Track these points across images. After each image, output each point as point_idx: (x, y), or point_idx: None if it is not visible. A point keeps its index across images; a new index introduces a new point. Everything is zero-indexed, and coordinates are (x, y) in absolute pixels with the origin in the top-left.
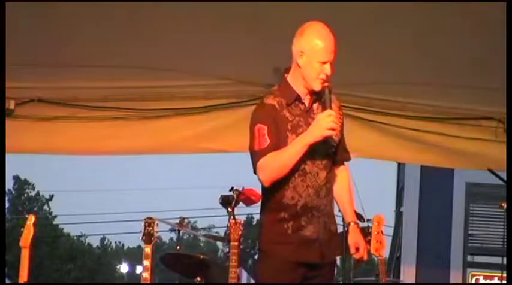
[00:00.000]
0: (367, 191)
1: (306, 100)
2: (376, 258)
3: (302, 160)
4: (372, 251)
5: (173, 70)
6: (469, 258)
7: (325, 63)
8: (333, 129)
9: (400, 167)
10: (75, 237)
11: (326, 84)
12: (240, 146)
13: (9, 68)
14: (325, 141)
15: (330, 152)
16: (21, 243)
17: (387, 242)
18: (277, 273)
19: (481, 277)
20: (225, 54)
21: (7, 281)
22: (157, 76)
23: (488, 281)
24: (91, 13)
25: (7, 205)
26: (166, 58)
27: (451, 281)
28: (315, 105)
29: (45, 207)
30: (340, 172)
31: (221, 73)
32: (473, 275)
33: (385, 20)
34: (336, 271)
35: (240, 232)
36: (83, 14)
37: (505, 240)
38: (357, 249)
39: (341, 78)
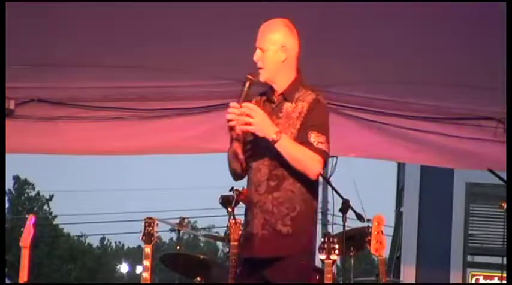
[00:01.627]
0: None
1: (275, 97)
2: (376, 259)
3: (251, 157)
4: (372, 251)
5: (173, 70)
6: (469, 258)
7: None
8: (233, 128)
9: (400, 167)
10: (75, 238)
11: (249, 76)
12: None
13: (9, 68)
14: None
15: (274, 150)
16: (21, 243)
17: (387, 242)
18: (239, 269)
19: (481, 277)
20: (225, 54)
21: (7, 281)
22: (157, 76)
23: (488, 281)
24: (91, 13)
25: (7, 204)
26: (166, 58)
27: (451, 281)
28: (286, 104)
29: (45, 207)
30: None
31: (221, 73)
32: (473, 275)
33: (385, 20)
34: (335, 271)
35: (240, 232)
36: (83, 14)
37: (505, 240)
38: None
39: (341, 78)
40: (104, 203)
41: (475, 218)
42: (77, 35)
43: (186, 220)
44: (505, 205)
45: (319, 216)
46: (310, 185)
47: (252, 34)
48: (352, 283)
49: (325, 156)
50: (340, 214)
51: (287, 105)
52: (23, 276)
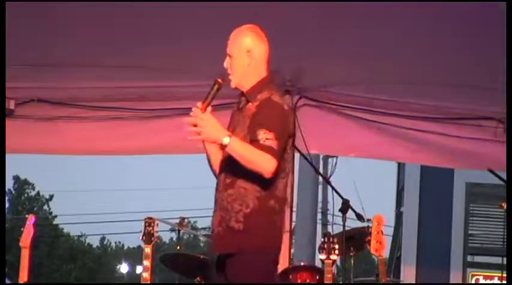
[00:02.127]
0: (367, 191)
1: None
2: (376, 259)
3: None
4: (372, 251)
5: (173, 70)
6: (469, 258)
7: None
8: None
9: (400, 167)
10: (75, 238)
11: (219, 79)
12: None
13: (9, 68)
14: None
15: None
16: (21, 243)
17: (387, 242)
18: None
19: (481, 277)
20: (224, 54)
21: (7, 281)
22: (157, 76)
23: (488, 281)
24: (91, 13)
25: (7, 205)
26: (166, 58)
27: (451, 281)
28: (247, 105)
29: (45, 207)
30: None
31: (221, 73)
32: (473, 275)
33: (385, 20)
34: (335, 271)
35: None
36: (83, 14)
37: (505, 240)
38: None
39: (341, 78)
40: (104, 203)
41: (475, 218)
42: (76, 35)
43: (186, 220)
44: (505, 205)
45: (319, 216)
46: (265, 183)
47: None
48: (352, 283)
49: (273, 152)
50: (340, 213)
51: (248, 106)
52: (23, 276)
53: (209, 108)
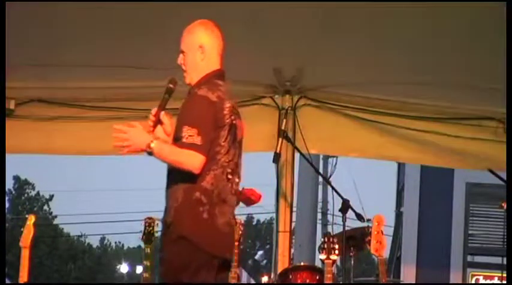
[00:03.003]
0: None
1: None
2: (376, 259)
3: None
4: (372, 251)
5: (174, 69)
6: (469, 258)
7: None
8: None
9: (400, 167)
10: (75, 238)
11: (170, 85)
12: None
13: (9, 68)
14: None
15: None
16: (21, 243)
17: (387, 242)
18: None
19: (481, 277)
20: (227, 54)
21: (7, 281)
22: (157, 75)
23: (488, 281)
24: (91, 13)
25: (7, 205)
26: (166, 58)
27: (451, 281)
28: None
29: (45, 207)
30: None
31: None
32: (473, 275)
33: (385, 20)
34: (335, 271)
35: (240, 232)
36: (84, 14)
37: (505, 240)
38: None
39: (341, 78)
40: (104, 203)
41: (475, 218)
42: (78, 35)
43: None
44: (505, 205)
45: (319, 216)
46: (191, 176)
47: (252, 34)
48: (352, 283)
49: (196, 148)
50: (340, 214)
51: None
52: (23, 276)
53: (162, 113)
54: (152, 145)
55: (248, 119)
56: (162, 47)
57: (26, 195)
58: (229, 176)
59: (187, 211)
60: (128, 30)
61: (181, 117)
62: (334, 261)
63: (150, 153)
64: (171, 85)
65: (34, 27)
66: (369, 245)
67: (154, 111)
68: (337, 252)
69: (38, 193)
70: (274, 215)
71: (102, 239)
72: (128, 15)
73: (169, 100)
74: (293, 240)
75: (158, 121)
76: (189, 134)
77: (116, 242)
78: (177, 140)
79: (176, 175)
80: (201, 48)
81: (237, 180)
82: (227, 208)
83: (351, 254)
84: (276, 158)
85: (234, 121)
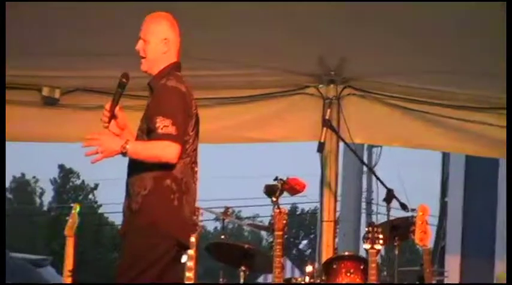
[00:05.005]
0: (412, 181)
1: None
2: (420, 248)
3: None
4: (417, 241)
5: (216, 60)
6: None
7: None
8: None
9: (445, 157)
10: (119, 227)
11: (123, 79)
12: (282, 136)
13: (53, 57)
14: None
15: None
16: (66, 232)
17: (432, 232)
18: None
19: None
20: (268, 44)
21: (53, 271)
22: (200, 65)
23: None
24: (133, 5)
25: (53, 193)
26: (210, 47)
27: (496, 271)
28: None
29: (90, 196)
30: None
31: (264, 63)
32: None
33: (430, 10)
34: (380, 260)
35: (284, 221)
36: (128, 4)
37: None
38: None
39: (386, 67)
40: None
41: None
42: (124, 24)
43: (230, 209)
44: None
45: (363, 205)
46: (161, 164)
47: (294, 24)
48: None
49: (172, 138)
50: (384, 203)
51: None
52: (68, 264)
53: (117, 108)
54: (127, 146)
55: (292, 109)
56: (208, 38)
57: (70, 184)
58: (193, 165)
59: (158, 198)
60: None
61: (153, 108)
62: (378, 251)
63: (125, 154)
64: (124, 80)
65: (79, 17)
66: (413, 234)
67: (108, 105)
68: (381, 242)
69: (82, 182)
70: (318, 204)
71: None
72: (171, 6)
73: (122, 95)
74: (337, 230)
75: (112, 116)
76: (164, 124)
77: None
78: (149, 132)
79: (142, 164)
80: (166, 40)
81: (196, 170)
82: (191, 197)
83: (395, 243)
84: (321, 147)
85: (197, 112)
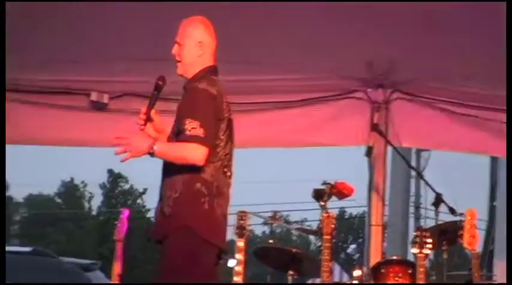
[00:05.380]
0: (460, 185)
1: None
2: (469, 253)
3: None
4: (465, 245)
5: (271, 64)
6: None
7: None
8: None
9: (493, 161)
10: None
11: (159, 82)
12: (332, 140)
13: (102, 63)
14: None
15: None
16: (115, 237)
17: (480, 236)
18: None
19: None
20: (317, 48)
21: (102, 275)
22: (256, 70)
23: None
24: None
25: (102, 198)
26: (265, 52)
27: None
28: None
29: (139, 200)
30: None
31: (314, 67)
32: None
33: (475, 11)
34: (428, 265)
35: (332, 226)
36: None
37: None
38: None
39: (434, 71)
40: None
41: None
42: (173, 29)
43: (278, 214)
44: None
45: (411, 210)
46: (191, 168)
47: (347, 27)
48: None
49: (199, 140)
50: (432, 207)
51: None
52: (117, 269)
53: (153, 111)
54: (155, 146)
55: (341, 113)
56: (263, 42)
57: (119, 189)
58: (225, 170)
59: (188, 201)
60: (229, 24)
61: (182, 111)
62: (426, 256)
63: (152, 154)
64: (160, 83)
65: (127, 23)
66: (462, 239)
67: (144, 109)
68: (429, 246)
69: (131, 186)
70: (366, 208)
71: None
72: (230, 12)
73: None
74: (385, 234)
75: (148, 119)
76: (192, 126)
77: None
78: (178, 133)
79: (174, 167)
80: (200, 43)
81: (229, 174)
82: (224, 200)
83: (444, 248)
84: (369, 152)
85: (230, 116)
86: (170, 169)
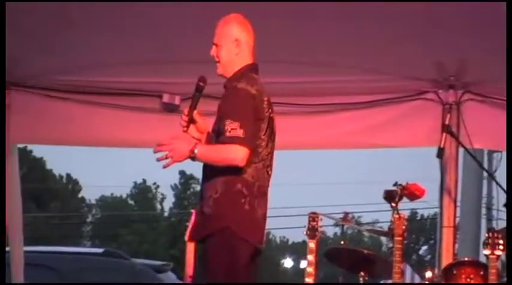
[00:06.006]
0: None
1: None
2: None
3: None
4: None
5: (335, 65)
6: None
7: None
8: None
9: None
10: None
11: (200, 82)
12: (403, 141)
13: (173, 64)
14: None
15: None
16: (186, 238)
17: None
18: None
19: None
20: (387, 49)
21: (173, 276)
22: (321, 71)
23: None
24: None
25: (174, 199)
26: (329, 53)
27: None
28: None
29: None
30: None
31: (385, 69)
32: None
33: None
34: (500, 266)
35: (403, 227)
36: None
37: None
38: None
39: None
40: (269, 198)
41: None
42: None
43: (350, 215)
44: None
45: (483, 211)
46: (232, 168)
47: (413, 28)
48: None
49: (239, 141)
50: (504, 209)
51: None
52: (189, 270)
53: (195, 112)
54: (196, 150)
55: (412, 114)
56: (326, 43)
57: (191, 190)
58: (268, 170)
59: (229, 202)
60: (291, 26)
61: (222, 111)
62: (498, 257)
63: (193, 158)
64: (201, 83)
65: (196, 24)
66: None
67: (186, 110)
68: (501, 247)
69: None
70: (438, 210)
71: (267, 234)
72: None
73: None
74: (457, 235)
75: (191, 121)
76: (232, 127)
77: (280, 237)
78: (219, 134)
79: (214, 168)
80: (237, 42)
81: (270, 173)
82: (265, 201)
83: None
84: (440, 153)
85: (271, 115)
86: (211, 170)
